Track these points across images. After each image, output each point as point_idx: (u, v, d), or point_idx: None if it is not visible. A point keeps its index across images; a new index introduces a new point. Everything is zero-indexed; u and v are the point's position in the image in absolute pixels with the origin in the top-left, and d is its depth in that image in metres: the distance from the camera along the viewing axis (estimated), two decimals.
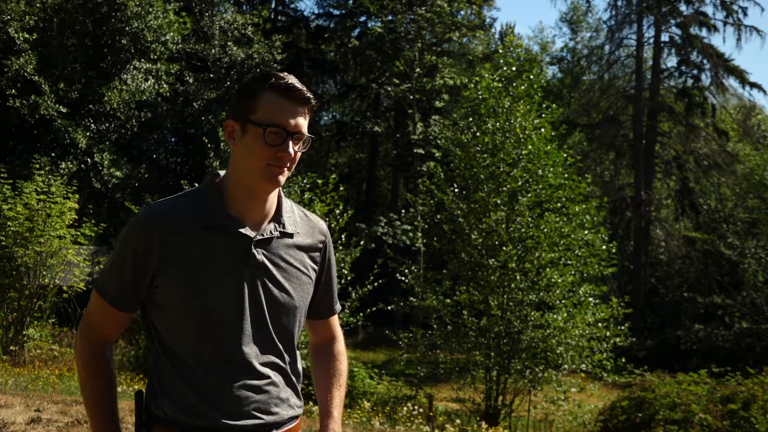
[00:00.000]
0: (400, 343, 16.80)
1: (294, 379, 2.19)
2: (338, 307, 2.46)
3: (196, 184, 2.27)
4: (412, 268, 17.61)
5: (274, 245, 2.14)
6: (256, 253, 2.10)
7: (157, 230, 2.04)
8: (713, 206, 35.56)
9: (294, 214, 2.23)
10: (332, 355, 2.43)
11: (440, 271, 16.92)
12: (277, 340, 2.14)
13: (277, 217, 2.17)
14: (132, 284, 2.07)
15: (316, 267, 2.26)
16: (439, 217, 16.67)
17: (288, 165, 2.09)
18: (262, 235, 2.12)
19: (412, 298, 16.90)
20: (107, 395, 2.15)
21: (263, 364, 2.11)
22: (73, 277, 15.42)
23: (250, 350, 2.08)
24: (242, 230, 2.08)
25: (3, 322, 14.56)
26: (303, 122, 2.11)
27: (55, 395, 9.31)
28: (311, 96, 2.11)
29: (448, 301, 15.68)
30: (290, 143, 2.07)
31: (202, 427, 2.03)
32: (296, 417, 2.21)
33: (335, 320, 2.47)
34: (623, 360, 15.17)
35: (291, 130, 2.06)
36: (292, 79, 2.09)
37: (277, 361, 2.14)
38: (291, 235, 2.18)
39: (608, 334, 14.98)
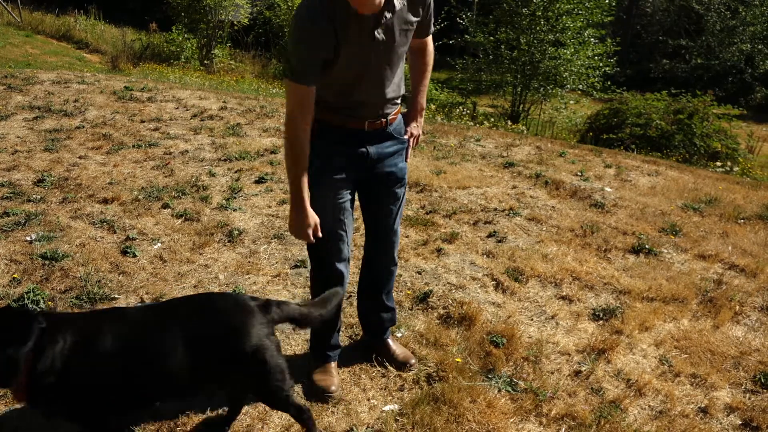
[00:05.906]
0: (457, 66, 16.03)
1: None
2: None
3: None
4: (468, 14, 16.50)
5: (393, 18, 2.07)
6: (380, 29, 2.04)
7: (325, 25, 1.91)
8: None
9: None
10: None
11: (487, 16, 15.57)
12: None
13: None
14: (317, 63, 1.95)
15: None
16: None
17: None
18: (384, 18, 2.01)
19: (466, 36, 15.91)
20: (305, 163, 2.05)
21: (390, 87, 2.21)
22: (240, 15, 14.96)
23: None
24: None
25: (199, 44, 14.49)
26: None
27: (234, 93, 9.43)
28: None
29: (491, 38, 14.60)
30: None
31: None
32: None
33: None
34: (608, 83, 14.25)
35: None
36: None
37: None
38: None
39: (601, 64, 13.99)
